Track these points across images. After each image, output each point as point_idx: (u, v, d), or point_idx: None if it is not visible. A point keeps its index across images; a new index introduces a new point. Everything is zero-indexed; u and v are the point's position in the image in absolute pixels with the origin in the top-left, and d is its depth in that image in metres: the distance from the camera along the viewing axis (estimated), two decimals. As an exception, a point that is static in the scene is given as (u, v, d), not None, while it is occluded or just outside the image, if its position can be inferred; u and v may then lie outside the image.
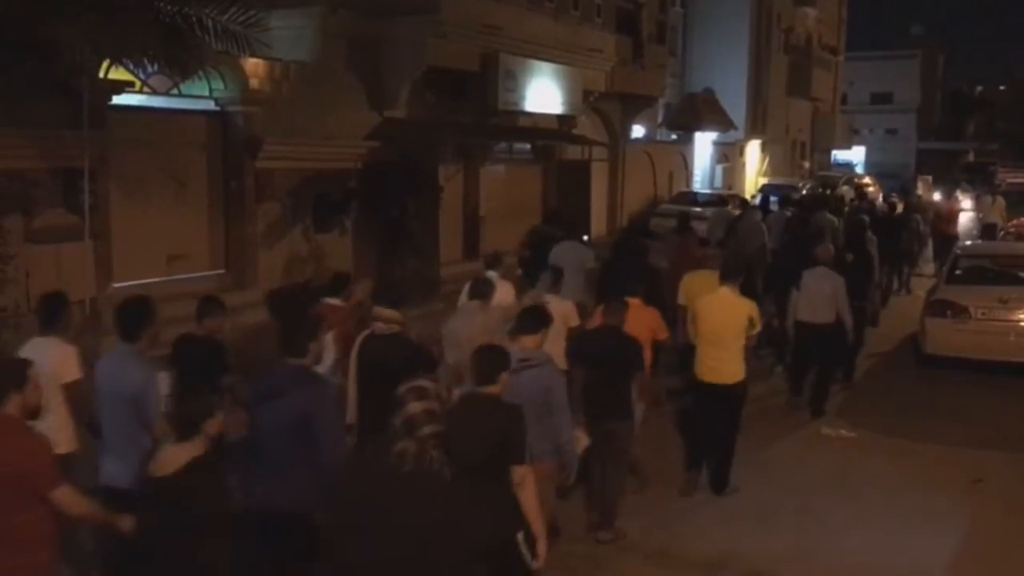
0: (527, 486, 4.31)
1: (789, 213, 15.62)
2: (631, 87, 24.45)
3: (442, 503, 3.33)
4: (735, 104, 33.26)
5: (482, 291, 6.98)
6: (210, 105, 13.06)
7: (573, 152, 22.05)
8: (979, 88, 73.45)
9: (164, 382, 4.93)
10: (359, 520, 3.31)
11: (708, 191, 28.50)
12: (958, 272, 12.54)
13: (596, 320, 6.99)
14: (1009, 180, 36.48)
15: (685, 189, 28.47)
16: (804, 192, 25.94)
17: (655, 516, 6.95)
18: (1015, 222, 19.19)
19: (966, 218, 23.30)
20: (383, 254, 14.73)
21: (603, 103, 23.67)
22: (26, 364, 4.20)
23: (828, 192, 24.58)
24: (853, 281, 9.72)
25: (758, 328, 7.60)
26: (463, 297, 7.58)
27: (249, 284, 13.44)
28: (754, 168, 36.90)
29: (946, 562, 6.45)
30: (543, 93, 19.09)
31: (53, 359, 5.13)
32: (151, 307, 5.24)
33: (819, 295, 9.22)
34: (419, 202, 14.92)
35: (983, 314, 11.21)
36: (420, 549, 3.22)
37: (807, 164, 42.44)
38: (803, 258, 9.85)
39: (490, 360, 4.42)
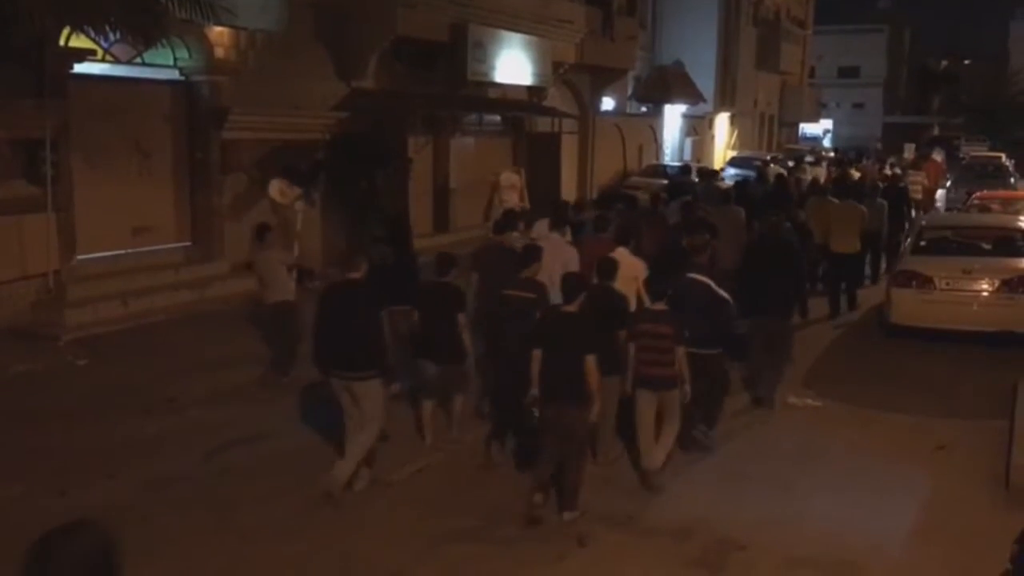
0: None
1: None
2: (601, 59, 24.36)
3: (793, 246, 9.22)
4: (704, 77, 33.26)
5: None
6: (175, 75, 12.86)
7: (543, 124, 21.97)
8: (944, 63, 73.99)
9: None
10: (768, 252, 8.94)
11: (677, 163, 28.56)
12: (923, 243, 12.68)
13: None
14: (972, 153, 36.90)
15: (655, 162, 28.52)
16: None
17: (622, 484, 7.02)
18: (979, 194, 19.35)
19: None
20: (352, 226, 14.63)
21: (573, 75, 23.58)
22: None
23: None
24: (894, 209, 15.68)
25: (865, 224, 13.20)
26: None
27: (215, 256, 13.31)
28: (723, 141, 37.01)
29: (910, 527, 6.56)
30: (513, 64, 18.98)
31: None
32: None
33: (872, 212, 13.89)
34: (388, 174, 14.82)
35: (947, 284, 11.36)
36: (788, 258, 8.92)
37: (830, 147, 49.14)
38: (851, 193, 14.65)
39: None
